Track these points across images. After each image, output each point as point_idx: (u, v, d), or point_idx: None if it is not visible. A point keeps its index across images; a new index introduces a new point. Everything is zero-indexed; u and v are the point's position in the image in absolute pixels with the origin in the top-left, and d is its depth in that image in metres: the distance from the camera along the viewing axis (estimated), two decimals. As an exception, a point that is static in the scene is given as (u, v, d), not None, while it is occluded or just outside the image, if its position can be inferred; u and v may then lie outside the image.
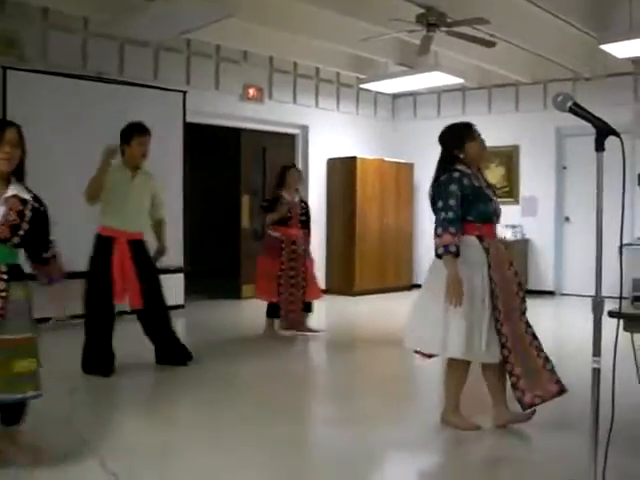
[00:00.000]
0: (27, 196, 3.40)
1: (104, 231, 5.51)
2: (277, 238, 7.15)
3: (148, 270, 5.63)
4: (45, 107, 7.40)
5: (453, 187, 3.97)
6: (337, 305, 10.09)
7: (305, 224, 7.38)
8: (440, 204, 4.00)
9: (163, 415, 4.66)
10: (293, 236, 7.20)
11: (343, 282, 11.03)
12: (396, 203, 11.74)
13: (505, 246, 4.39)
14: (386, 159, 11.66)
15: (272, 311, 7.32)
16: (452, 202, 3.94)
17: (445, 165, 4.13)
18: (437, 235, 3.95)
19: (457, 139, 4.14)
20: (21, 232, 3.31)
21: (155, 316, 5.73)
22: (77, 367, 5.51)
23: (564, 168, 10.84)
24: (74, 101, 7.65)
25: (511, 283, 4.07)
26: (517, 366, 3.98)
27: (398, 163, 11.79)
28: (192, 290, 9.70)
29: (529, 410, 4.04)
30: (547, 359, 4.05)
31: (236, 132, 10.42)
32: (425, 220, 11.88)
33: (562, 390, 4.04)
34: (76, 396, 4.90)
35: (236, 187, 10.60)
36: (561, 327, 8.80)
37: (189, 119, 8.87)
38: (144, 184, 5.67)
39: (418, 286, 11.81)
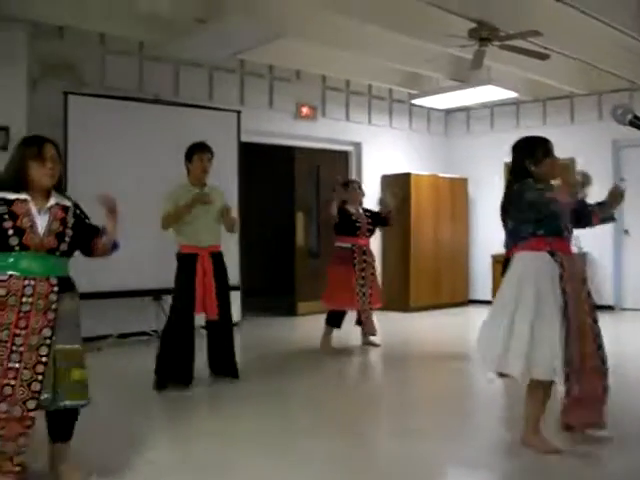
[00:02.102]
0: (68, 203, 3.54)
1: (185, 249, 5.76)
2: (348, 248, 7.30)
3: (223, 284, 5.86)
4: (103, 129, 7.57)
5: (528, 193, 3.89)
6: (393, 321, 10.05)
7: (376, 224, 7.62)
8: (516, 214, 3.98)
9: (219, 429, 4.69)
10: (363, 246, 7.38)
11: (398, 298, 10.98)
12: (451, 218, 11.68)
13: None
14: (440, 175, 11.62)
15: (333, 320, 7.41)
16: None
17: (516, 177, 4.03)
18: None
19: (534, 152, 4.02)
20: (67, 239, 3.42)
21: (223, 329, 5.90)
22: (135, 381, 5.60)
23: (622, 180, 10.65)
24: (131, 123, 7.81)
25: (584, 301, 3.93)
26: (576, 387, 3.79)
27: (452, 178, 11.74)
28: (248, 307, 9.78)
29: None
30: (605, 389, 3.92)
31: (290, 150, 10.50)
32: (481, 235, 11.81)
33: (602, 425, 3.96)
34: (129, 409, 4.98)
35: (290, 205, 10.67)
36: (621, 342, 8.62)
37: (243, 138, 8.97)
38: (214, 199, 5.83)
39: (474, 302, 11.77)
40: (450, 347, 7.88)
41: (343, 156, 11.19)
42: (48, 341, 3.27)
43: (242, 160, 8.98)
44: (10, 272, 3.29)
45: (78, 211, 3.59)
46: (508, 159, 12.24)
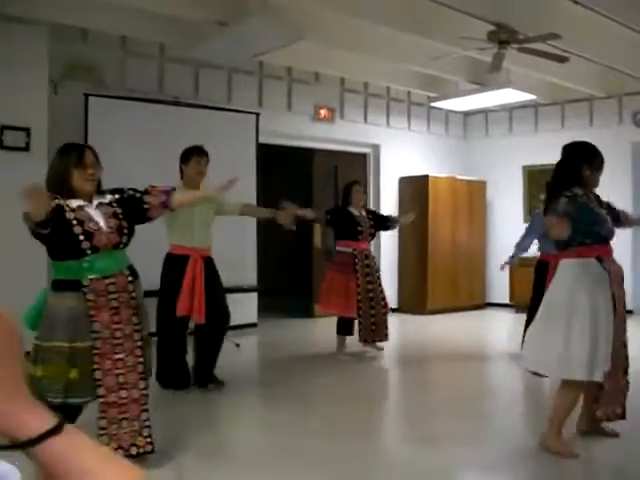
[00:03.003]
0: (107, 199, 3.69)
1: (177, 249, 5.69)
2: (350, 253, 7.18)
3: (215, 287, 5.73)
4: (124, 131, 7.63)
5: (566, 206, 3.93)
6: (410, 324, 10.06)
7: (378, 227, 7.52)
8: (552, 214, 4.00)
9: (233, 431, 4.73)
10: (365, 250, 7.27)
11: (416, 301, 10.99)
12: (469, 221, 11.66)
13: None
14: (458, 177, 11.61)
15: (343, 328, 7.36)
16: (563, 209, 3.93)
17: (560, 186, 4.04)
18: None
19: (593, 159, 4.09)
20: (126, 230, 3.63)
21: (214, 333, 5.77)
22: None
23: (643, 185, 10.61)
24: (151, 125, 7.87)
25: (622, 301, 4.07)
26: (608, 381, 3.96)
27: (470, 181, 11.73)
28: (265, 309, 9.81)
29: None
30: (627, 384, 4.08)
31: (308, 152, 10.53)
32: (498, 238, 11.78)
33: (623, 416, 4.10)
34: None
35: (308, 206, 10.64)
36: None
37: (262, 140, 9.01)
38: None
39: (491, 305, 11.75)
40: (468, 350, 7.88)
41: (361, 158, 11.21)
42: (138, 327, 3.62)
43: (260, 162, 9.01)
44: (90, 276, 3.49)
45: (117, 195, 3.74)
46: (526, 162, 12.15)
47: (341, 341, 7.43)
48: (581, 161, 4.05)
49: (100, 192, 3.70)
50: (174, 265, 5.65)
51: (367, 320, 7.18)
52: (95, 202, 3.60)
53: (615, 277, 4.00)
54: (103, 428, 3.53)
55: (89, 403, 3.58)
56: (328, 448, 4.21)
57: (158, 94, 8.34)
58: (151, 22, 7.43)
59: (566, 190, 3.96)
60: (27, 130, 7.01)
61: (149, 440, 3.64)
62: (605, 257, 4.00)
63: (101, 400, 3.51)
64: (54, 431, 0.79)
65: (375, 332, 7.26)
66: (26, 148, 6.96)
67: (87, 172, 3.55)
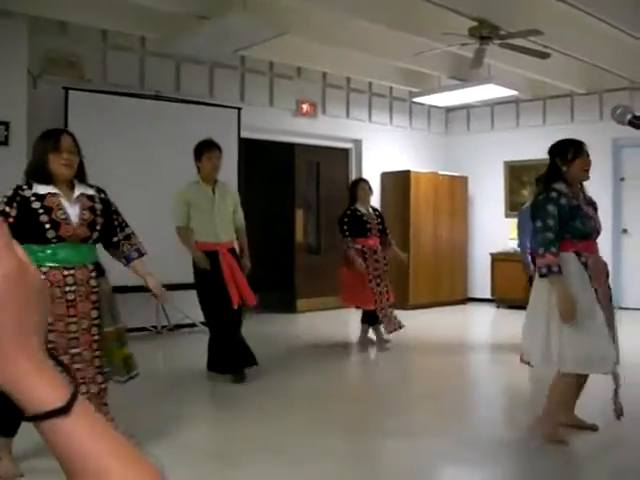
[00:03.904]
0: (92, 191, 3.69)
1: (204, 247, 5.77)
2: (359, 249, 7.32)
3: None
4: (104, 125, 7.58)
5: (550, 207, 4.00)
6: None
7: (383, 232, 7.61)
8: (539, 224, 4.03)
9: (223, 428, 4.71)
10: (373, 246, 7.43)
11: (397, 296, 10.94)
12: (450, 216, 11.68)
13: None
14: (440, 172, 11.63)
15: (368, 318, 7.58)
16: (550, 222, 3.98)
17: (545, 185, 4.15)
18: (540, 255, 3.99)
19: (565, 152, 4.14)
20: (98, 227, 3.61)
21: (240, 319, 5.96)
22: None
23: (622, 180, 10.68)
24: (132, 119, 7.82)
25: (607, 296, 4.16)
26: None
27: (452, 176, 11.75)
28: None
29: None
30: (617, 379, 4.15)
31: (290, 147, 10.51)
32: (479, 233, 11.83)
33: (620, 414, 4.12)
34: (132, 405, 4.99)
35: (290, 201, 10.69)
36: (622, 342, 8.63)
37: (244, 135, 8.98)
38: (225, 195, 5.93)
39: (473, 300, 11.78)
40: (449, 344, 7.90)
41: (343, 153, 11.21)
42: (97, 321, 3.58)
43: (242, 156, 8.99)
44: (49, 264, 3.45)
45: (103, 195, 3.76)
46: (508, 158, 12.23)
47: (365, 329, 7.68)
48: (554, 157, 4.17)
49: (84, 182, 3.68)
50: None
51: (383, 312, 7.47)
52: (77, 192, 3.59)
53: (595, 273, 4.06)
54: None
55: None
56: (310, 444, 4.21)
57: (139, 88, 8.28)
58: (132, 15, 7.39)
59: (549, 189, 4.07)
60: (6, 124, 6.95)
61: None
62: (585, 253, 4.07)
63: None
64: (60, 411, 0.67)
65: (387, 324, 7.50)
66: (5, 142, 6.91)
67: (62, 156, 3.51)
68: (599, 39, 8.25)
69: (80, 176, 3.66)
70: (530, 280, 6.28)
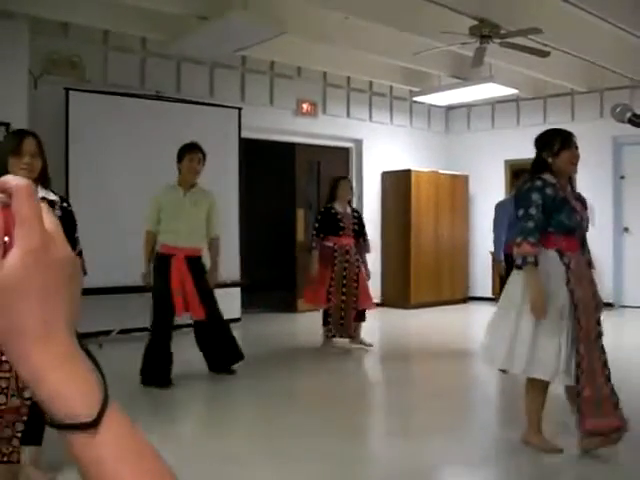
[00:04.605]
0: (54, 197, 3.52)
1: (162, 248, 5.72)
2: (330, 247, 7.23)
3: (204, 285, 5.77)
4: (105, 126, 7.59)
5: (535, 196, 3.82)
6: (392, 318, 10.08)
7: (359, 233, 7.43)
8: (521, 212, 3.86)
9: (220, 428, 4.72)
10: (346, 245, 7.28)
11: (398, 295, 11.01)
12: (451, 215, 11.69)
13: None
14: (441, 171, 11.63)
15: (327, 319, 7.38)
16: (532, 211, 3.80)
17: (532, 174, 4.00)
18: (516, 244, 3.82)
19: (551, 144, 3.96)
20: None
21: (213, 327, 5.85)
22: (133, 379, 5.62)
23: (622, 178, 10.68)
24: (133, 119, 7.82)
25: (590, 302, 3.89)
26: (587, 388, 3.77)
27: (453, 175, 11.75)
28: (248, 303, 9.80)
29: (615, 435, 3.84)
30: (613, 391, 3.85)
31: (290, 147, 10.52)
32: (480, 232, 11.82)
33: (624, 427, 3.82)
34: (134, 407, 5.00)
35: (291, 201, 10.69)
36: (622, 339, 8.64)
37: (244, 134, 8.99)
38: (199, 201, 5.81)
39: (474, 299, 11.79)
40: (450, 344, 7.90)
41: (344, 153, 11.21)
42: None
43: (243, 156, 8.99)
44: None
45: (65, 204, 3.60)
46: (509, 156, 12.18)
47: (327, 331, 7.40)
48: (541, 149, 4.01)
49: (48, 187, 3.53)
50: (158, 264, 5.72)
51: (337, 315, 7.23)
52: (38, 195, 3.49)
53: (576, 274, 3.85)
54: None
55: None
56: (311, 445, 4.21)
57: (140, 89, 8.29)
58: (133, 16, 7.39)
59: (536, 176, 3.93)
60: (7, 125, 6.95)
61: (16, 450, 3.27)
62: (568, 251, 3.87)
63: None
64: (87, 426, 0.58)
65: (342, 328, 7.28)
66: (6, 143, 6.90)
67: (23, 160, 3.35)
68: (600, 37, 8.24)
69: (43, 180, 3.48)
70: (502, 278, 6.21)
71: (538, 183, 3.88)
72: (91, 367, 0.61)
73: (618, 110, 2.72)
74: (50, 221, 0.60)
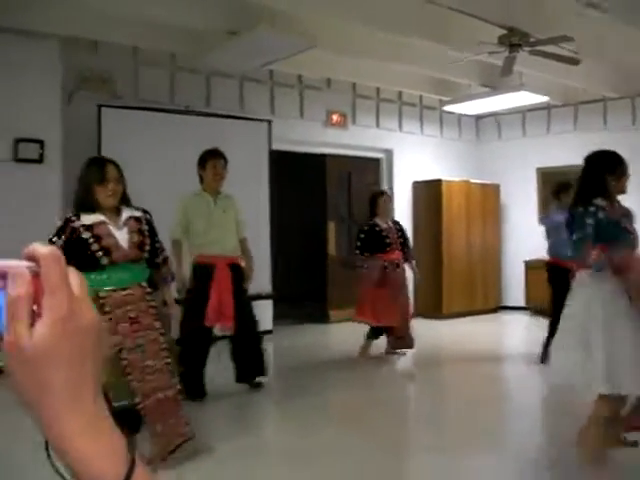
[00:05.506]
0: (138, 213, 3.85)
1: (201, 259, 5.63)
2: (380, 265, 7.22)
3: (242, 296, 5.73)
4: (137, 141, 7.66)
5: (589, 220, 3.87)
6: (426, 328, 10.02)
7: (404, 245, 7.50)
8: (577, 236, 3.92)
9: (252, 442, 4.71)
10: (395, 260, 7.32)
11: (431, 305, 10.94)
12: (483, 224, 11.61)
13: None
14: (472, 181, 11.56)
15: (375, 334, 7.45)
16: (589, 231, 3.86)
17: (586, 198, 3.99)
18: (582, 256, 3.89)
19: (614, 167, 4.03)
20: (147, 247, 3.78)
21: (244, 339, 5.80)
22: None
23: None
24: (164, 134, 7.89)
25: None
26: None
27: (484, 184, 11.68)
28: (280, 315, 9.81)
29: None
30: None
31: (321, 158, 10.53)
32: (512, 241, 11.74)
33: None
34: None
35: (322, 213, 10.70)
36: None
37: (275, 147, 9.01)
38: (227, 207, 5.82)
39: (506, 308, 11.69)
40: (484, 354, 7.84)
41: (374, 163, 11.20)
42: (161, 331, 3.76)
43: (273, 168, 9.02)
44: (107, 287, 3.60)
45: (149, 216, 3.94)
46: (540, 164, 12.04)
47: (367, 345, 7.49)
48: (604, 172, 4.00)
49: (130, 205, 3.82)
50: (199, 275, 5.62)
51: (401, 330, 7.33)
52: (125, 215, 3.74)
53: (636, 290, 3.85)
54: (152, 432, 3.70)
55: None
56: (344, 459, 4.19)
57: (170, 103, 8.36)
58: (162, 32, 7.46)
59: (589, 203, 3.92)
60: (41, 142, 7.05)
61: (188, 428, 3.89)
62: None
63: (140, 406, 3.64)
64: None
65: (400, 341, 7.41)
66: (40, 160, 7.00)
67: (108, 187, 3.66)
68: (630, 42, 8.14)
69: (125, 201, 3.80)
70: (558, 288, 6.15)
71: (592, 209, 3.90)
72: (116, 429, 0.63)
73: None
74: (77, 285, 0.62)
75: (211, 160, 5.75)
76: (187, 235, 5.74)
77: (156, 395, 3.65)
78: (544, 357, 5.94)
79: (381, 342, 7.55)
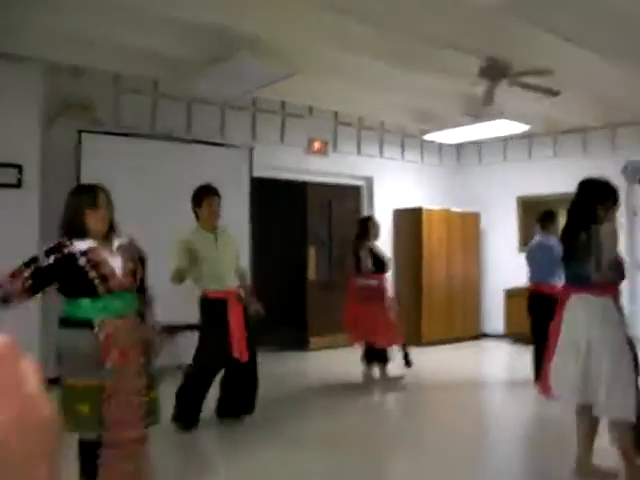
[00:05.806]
0: (127, 241, 3.83)
1: (212, 294, 5.67)
2: (377, 286, 7.46)
3: (249, 327, 5.81)
4: (117, 167, 7.60)
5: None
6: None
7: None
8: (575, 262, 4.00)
9: (234, 474, 4.66)
10: (386, 282, 7.65)
11: (411, 332, 10.88)
12: (463, 253, 11.63)
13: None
14: (452, 209, 11.59)
15: (376, 356, 7.62)
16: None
17: (578, 227, 4.06)
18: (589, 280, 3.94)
19: (606, 198, 4.10)
20: (139, 275, 3.73)
21: (247, 372, 5.86)
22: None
23: (635, 214, 10.61)
24: (145, 161, 7.86)
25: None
26: None
27: (464, 213, 11.72)
28: (258, 342, 9.70)
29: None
30: None
31: (302, 185, 10.52)
32: (492, 269, 11.77)
33: None
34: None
35: (303, 239, 10.67)
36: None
37: (256, 173, 9.01)
38: (227, 241, 5.89)
39: (486, 335, 11.67)
40: (465, 382, 7.82)
41: (355, 190, 11.21)
42: (145, 367, 3.67)
43: (254, 195, 9.00)
44: (102, 316, 3.52)
45: (139, 247, 3.91)
46: (520, 192, 12.11)
47: (371, 367, 7.69)
48: (595, 201, 4.08)
49: (117, 234, 3.78)
50: (212, 309, 5.66)
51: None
52: (116, 243, 3.70)
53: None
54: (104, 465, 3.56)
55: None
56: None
57: (151, 130, 8.34)
58: (144, 59, 7.44)
59: (585, 228, 4.00)
60: (19, 167, 6.99)
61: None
62: (619, 297, 4.10)
63: (106, 439, 3.53)
64: None
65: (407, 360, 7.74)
66: (18, 185, 6.95)
67: (99, 213, 3.64)
68: (612, 76, 8.19)
69: (113, 229, 3.77)
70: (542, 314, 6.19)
71: (584, 238, 3.98)
72: None
73: (629, 170, 2.74)
74: (33, 380, 0.58)
75: (207, 199, 5.80)
76: (192, 269, 5.69)
77: (126, 432, 3.55)
78: (537, 376, 5.98)
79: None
